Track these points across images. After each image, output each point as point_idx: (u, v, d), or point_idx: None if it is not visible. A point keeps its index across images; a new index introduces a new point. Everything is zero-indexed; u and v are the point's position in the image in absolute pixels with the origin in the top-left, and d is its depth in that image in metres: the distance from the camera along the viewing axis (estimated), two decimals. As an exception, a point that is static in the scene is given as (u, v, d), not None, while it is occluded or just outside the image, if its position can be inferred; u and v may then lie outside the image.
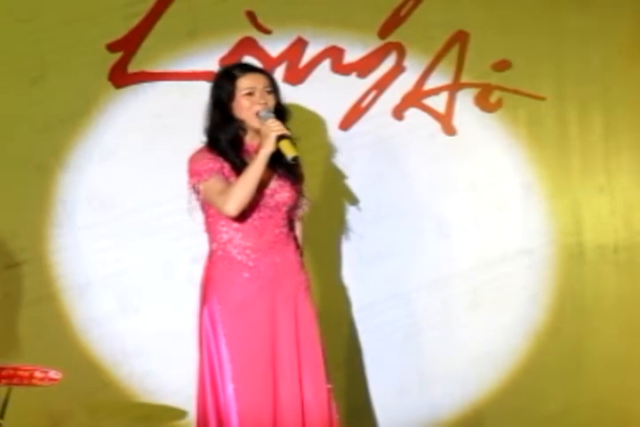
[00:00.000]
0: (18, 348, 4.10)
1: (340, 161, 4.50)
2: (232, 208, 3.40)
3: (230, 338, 3.46)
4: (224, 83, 3.56)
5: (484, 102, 4.68)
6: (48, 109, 4.26)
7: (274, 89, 3.56)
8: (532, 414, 4.64)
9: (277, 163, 3.48)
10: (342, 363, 4.46)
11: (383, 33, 4.58)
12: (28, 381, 3.43)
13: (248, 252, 3.51)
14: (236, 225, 3.50)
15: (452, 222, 4.59)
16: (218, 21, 4.40)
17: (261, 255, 3.52)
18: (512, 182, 4.72)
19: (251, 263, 3.51)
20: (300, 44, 4.47)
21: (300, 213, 3.68)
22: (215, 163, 3.48)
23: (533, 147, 4.73)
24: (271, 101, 3.53)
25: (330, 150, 4.49)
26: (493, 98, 4.69)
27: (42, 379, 3.44)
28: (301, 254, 3.68)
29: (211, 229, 3.57)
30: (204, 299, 3.53)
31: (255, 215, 3.51)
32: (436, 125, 4.64)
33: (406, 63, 4.58)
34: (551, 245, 4.75)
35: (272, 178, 3.53)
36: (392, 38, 4.58)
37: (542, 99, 4.74)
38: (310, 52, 4.48)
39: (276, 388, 3.48)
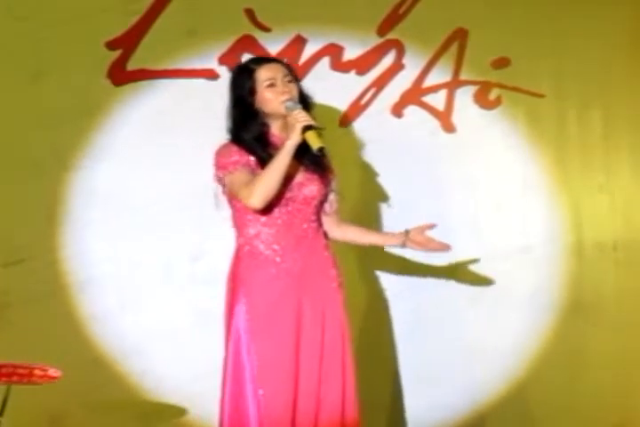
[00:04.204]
0: (17, 346, 4.08)
1: (339, 158, 4.49)
2: (256, 201, 3.34)
3: (258, 339, 3.40)
4: (242, 79, 3.50)
5: (483, 100, 4.69)
6: (47, 107, 4.24)
7: (294, 77, 3.52)
8: (532, 412, 4.65)
9: (304, 155, 3.43)
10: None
11: (382, 30, 4.58)
12: (27, 379, 3.42)
13: (275, 247, 3.46)
14: (263, 219, 3.45)
15: (451, 220, 4.59)
16: (217, 19, 4.39)
17: (289, 251, 3.46)
18: (511, 180, 4.73)
19: (278, 259, 3.45)
20: (299, 42, 4.47)
21: (327, 207, 3.62)
22: (242, 156, 3.44)
23: (533, 144, 4.74)
24: (294, 90, 3.48)
25: (328, 147, 4.48)
26: (492, 95, 4.70)
27: (41, 377, 3.44)
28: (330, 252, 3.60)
29: (238, 223, 3.52)
30: (233, 297, 3.48)
31: (283, 209, 3.46)
32: (435, 123, 4.65)
33: (405, 61, 4.59)
34: (550, 242, 4.76)
35: (299, 171, 3.48)
36: (391, 36, 4.58)
37: (541, 96, 4.75)
38: (309, 50, 4.48)
39: (296, 390, 3.43)
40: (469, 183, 4.63)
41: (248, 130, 3.48)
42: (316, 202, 3.54)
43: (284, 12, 4.45)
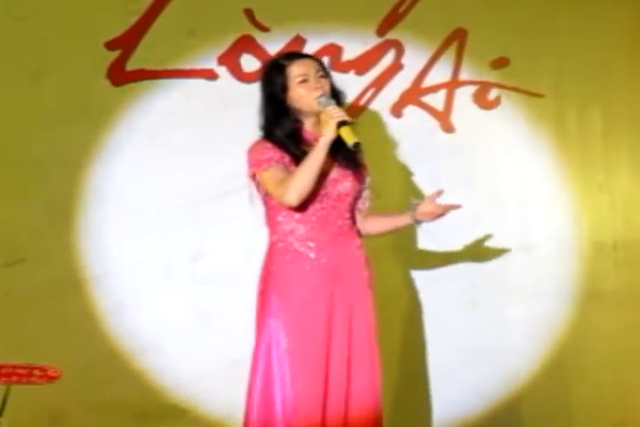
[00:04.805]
0: (17, 346, 4.09)
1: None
2: (292, 198, 3.32)
3: (291, 335, 3.38)
4: (274, 75, 3.48)
5: (482, 100, 4.69)
6: (46, 107, 4.25)
7: (326, 73, 3.49)
8: (530, 412, 4.64)
9: (339, 151, 3.41)
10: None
11: (381, 30, 4.58)
12: (26, 379, 3.43)
13: (310, 244, 3.44)
14: (297, 216, 3.44)
15: (450, 220, 4.57)
16: (216, 19, 4.39)
17: (323, 247, 3.44)
18: (511, 180, 4.72)
19: (312, 255, 3.43)
20: (298, 42, 4.46)
21: (361, 204, 3.60)
22: (275, 152, 3.41)
23: (532, 144, 4.73)
24: (326, 85, 3.46)
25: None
26: (492, 95, 4.69)
27: (40, 377, 3.45)
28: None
29: (271, 220, 3.50)
30: (265, 293, 3.46)
31: (317, 206, 3.44)
32: (434, 123, 4.65)
33: (404, 61, 4.59)
34: (550, 242, 4.75)
35: (333, 167, 3.46)
36: (390, 36, 4.58)
37: (541, 96, 4.75)
38: (308, 50, 4.43)
39: (326, 386, 3.41)
40: (469, 183, 4.62)
41: (281, 126, 3.46)
42: (350, 199, 3.52)
43: (283, 11, 4.44)
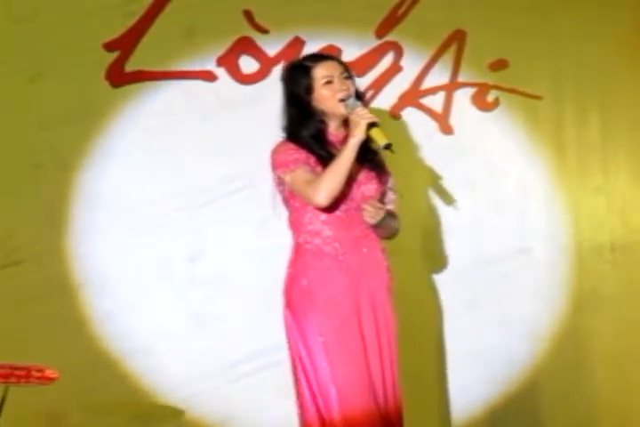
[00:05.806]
0: (14, 347, 4.09)
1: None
2: (323, 199, 3.31)
3: (325, 332, 3.35)
4: (298, 76, 3.46)
5: (481, 102, 4.69)
6: (45, 109, 4.23)
7: (350, 74, 3.49)
8: (530, 413, 4.65)
9: (363, 154, 3.39)
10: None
11: (380, 32, 4.58)
12: (24, 380, 3.42)
13: (336, 245, 3.42)
14: (323, 217, 3.42)
15: (449, 222, 4.59)
16: (215, 20, 4.38)
17: (349, 249, 3.42)
18: (509, 182, 4.72)
19: (340, 257, 3.42)
20: (297, 44, 4.46)
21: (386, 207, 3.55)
22: (300, 154, 3.40)
23: (530, 146, 4.74)
24: (351, 87, 3.46)
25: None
26: (490, 97, 4.70)
27: (39, 378, 3.44)
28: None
29: (296, 222, 3.47)
30: (292, 294, 3.43)
31: (342, 207, 3.42)
32: (433, 125, 4.65)
33: (403, 62, 4.59)
34: (548, 244, 4.76)
35: (358, 169, 3.44)
36: (389, 37, 4.58)
37: (539, 98, 4.75)
38: (308, 52, 4.46)
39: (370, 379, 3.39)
40: (467, 185, 4.63)
41: (306, 128, 3.45)
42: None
43: (282, 13, 4.44)
